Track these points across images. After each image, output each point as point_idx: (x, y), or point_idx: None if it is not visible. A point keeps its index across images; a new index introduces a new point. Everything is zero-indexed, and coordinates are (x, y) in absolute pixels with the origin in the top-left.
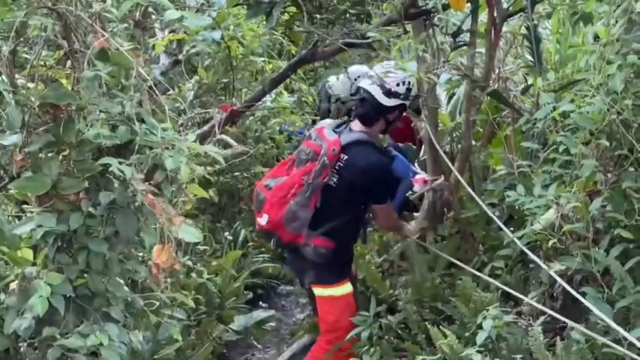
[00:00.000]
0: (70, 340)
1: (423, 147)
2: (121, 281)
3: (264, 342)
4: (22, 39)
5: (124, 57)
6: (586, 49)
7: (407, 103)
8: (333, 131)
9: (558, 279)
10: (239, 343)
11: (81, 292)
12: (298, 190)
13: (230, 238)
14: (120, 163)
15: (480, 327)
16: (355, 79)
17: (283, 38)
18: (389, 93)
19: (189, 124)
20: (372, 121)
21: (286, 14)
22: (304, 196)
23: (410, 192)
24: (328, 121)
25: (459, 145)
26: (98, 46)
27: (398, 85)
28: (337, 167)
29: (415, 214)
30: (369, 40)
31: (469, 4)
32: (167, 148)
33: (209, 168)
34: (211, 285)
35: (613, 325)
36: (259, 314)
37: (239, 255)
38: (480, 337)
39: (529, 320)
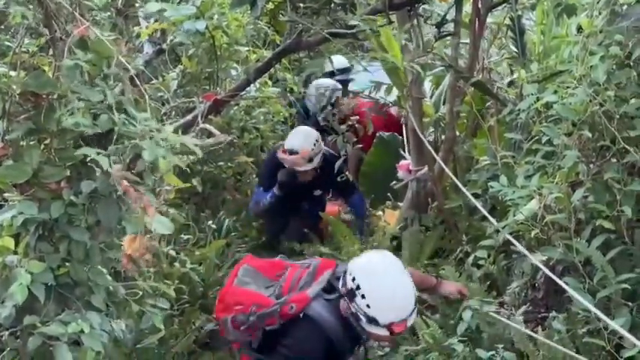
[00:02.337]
0: (50, 328)
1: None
2: (103, 270)
3: None
4: (2, 26)
5: (104, 46)
6: (569, 40)
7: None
8: (328, 281)
9: (543, 268)
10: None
11: (62, 280)
12: (240, 312)
13: (214, 227)
14: (99, 153)
15: (461, 318)
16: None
17: (268, 28)
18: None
19: (173, 113)
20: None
21: (271, 3)
22: (241, 323)
23: (394, 181)
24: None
25: (443, 136)
26: (78, 35)
27: None
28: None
29: (399, 203)
30: (354, 30)
31: None
32: (145, 139)
33: (191, 157)
34: (194, 274)
35: (597, 312)
36: None
37: (223, 244)
38: (460, 329)
39: (511, 310)
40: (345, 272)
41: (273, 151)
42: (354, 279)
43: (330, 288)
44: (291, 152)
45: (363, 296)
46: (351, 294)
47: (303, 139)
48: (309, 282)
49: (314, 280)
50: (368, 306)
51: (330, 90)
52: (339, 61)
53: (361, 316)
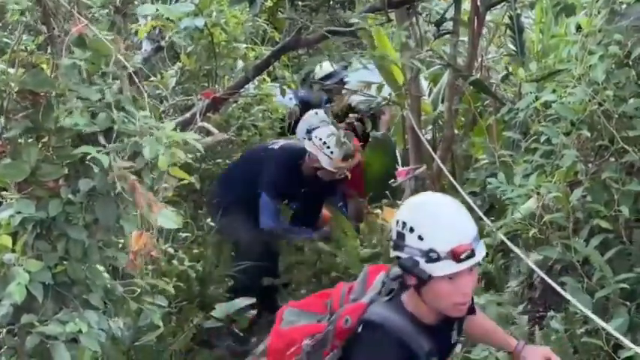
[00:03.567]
0: (49, 327)
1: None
2: (101, 268)
3: (246, 329)
4: (0, 23)
5: (102, 44)
6: (568, 39)
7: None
8: (382, 283)
9: (537, 270)
10: (220, 330)
11: (60, 279)
12: (295, 355)
13: (212, 224)
14: (99, 151)
15: None
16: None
17: (267, 25)
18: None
19: (172, 110)
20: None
21: (270, 1)
22: None
23: (392, 180)
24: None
25: (441, 134)
26: (76, 33)
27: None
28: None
29: (399, 202)
30: (353, 28)
31: None
32: (145, 136)
33: (190, 155)
34: (192, 272)
35: (591, 315)
36: (241, 302)
37: (221, 242)
38: None
39: (509, 309)
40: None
41: (284, 159)
42: (397, 222)
43: (387, 291)
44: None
45: (411, 229)
46: (401, 237)
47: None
48: (361, 291)
49: (366, 287)
50: (420, 237)
51: None
52: (326, 67)
53: (418, 258)
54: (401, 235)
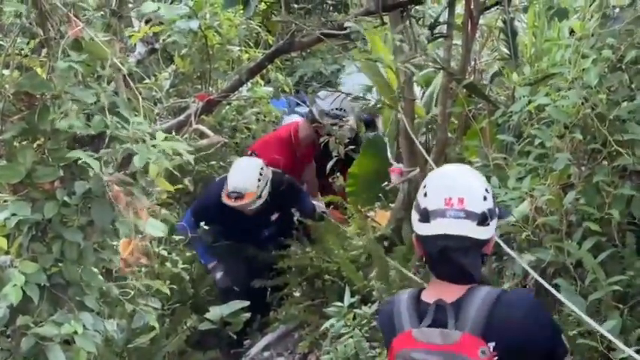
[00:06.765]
0: (44, 329)
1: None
2: (96, 270)
3: (239, 332)
4: None
5: (98, 47)
6: (561, 43)
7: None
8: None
9: (532, 272)
10: (214, 332)
11: (55, 280)
12: None
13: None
14: (91, 155)
15: None
16: None
17: (260, 28)
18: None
19: (166, 113)
20: (476, 270)
21: (264, 3)
22: None
23: (385, 182)
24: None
25: (435, 137)
26: (72, 36)
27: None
28: None
29: (391, 204)
30: (347, 31)
31: None
32: (137, 142)
33: (182, 158)
34: (185, 274)
35: (585, 317)
36: (234, 304)
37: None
38: None
39: None
40: None
41: (217, 189)
42: (485, 196)
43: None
44: (237, 197)
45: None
46: (492, 199)
47: (245, 178)
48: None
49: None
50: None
51: None
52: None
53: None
54: (491, 197)
